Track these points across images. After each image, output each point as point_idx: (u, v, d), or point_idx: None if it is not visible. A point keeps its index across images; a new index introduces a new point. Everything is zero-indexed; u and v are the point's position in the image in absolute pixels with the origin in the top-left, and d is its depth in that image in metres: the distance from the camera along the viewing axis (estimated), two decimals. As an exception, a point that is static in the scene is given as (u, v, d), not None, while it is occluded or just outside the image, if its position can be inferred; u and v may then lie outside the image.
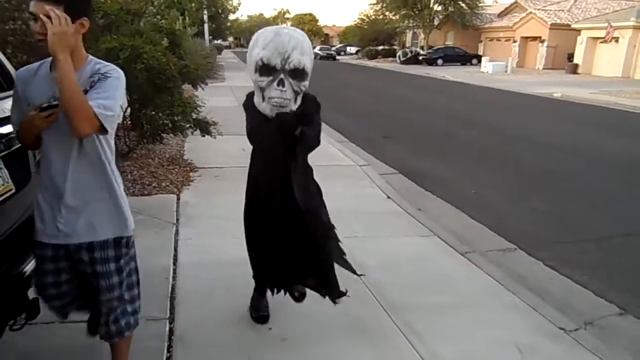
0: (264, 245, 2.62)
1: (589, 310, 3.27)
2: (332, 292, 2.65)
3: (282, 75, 2.28)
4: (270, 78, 2.29)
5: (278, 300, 2.86)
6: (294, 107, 2.36)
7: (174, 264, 3.53)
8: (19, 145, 2.25)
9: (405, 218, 4.71)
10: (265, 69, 2.28)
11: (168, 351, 2.57)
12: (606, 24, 26.99)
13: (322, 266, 2.61)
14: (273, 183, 2.47)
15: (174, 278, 3.32)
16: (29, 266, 2.10)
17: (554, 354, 2.72)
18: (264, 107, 2.36)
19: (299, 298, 2.83)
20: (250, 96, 2.51)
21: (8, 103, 2.29)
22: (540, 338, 2.84)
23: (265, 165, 2.50)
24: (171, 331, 2.73)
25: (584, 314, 3.20)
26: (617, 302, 3.41)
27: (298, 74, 2.29)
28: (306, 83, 2.35)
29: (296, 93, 2.34)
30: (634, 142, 9.55)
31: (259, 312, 2.84)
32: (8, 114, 2.24)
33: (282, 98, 2.30)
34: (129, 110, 5.85)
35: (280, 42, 2.25)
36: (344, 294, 2.66)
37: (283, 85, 2.28)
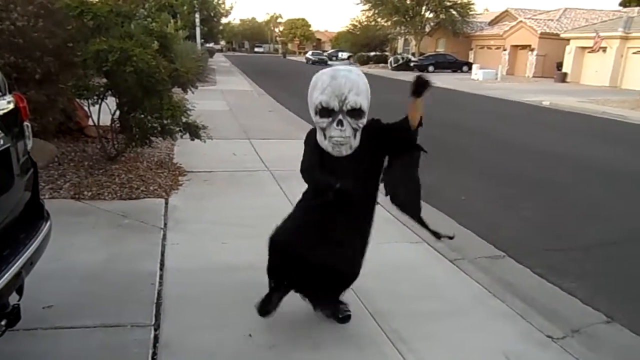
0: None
1: (576, 318, 3.28)
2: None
3: (340, 116, 2.45)
4: (330, 119, 2.46)
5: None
6: (354, 142, 2.51)
7: (161, 269, 3.48)
8: (2, 147, 2.21)
9: (395, 224, 4.70)
10: (324, 111, 2.46)
11: (153, 358, 2.53)
12: (594, 34, 27.36)
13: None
14: (342, 213, 2.57)
15: (160, 283, 3.27)
16: (11, 271, 2.05)
17: (542, 362, 2.72)
18: (325, 145, 2.53)
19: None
20: (311, 134, 2.65)
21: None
22: (528, 346, 2.84)
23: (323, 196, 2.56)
24: (156, 338, 2.69)
25: (572, 322, 3.20)
26: (604, 310, 3.41)
27: (355, 113, 2.46)
28: (364, 120, 2.51)
29: (355, 130, 2.50)
30: (621, 150, 9.65)
31: (264, 305, 2.78)
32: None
33: (341, 137, 2.47)
34: (117, 113, 5.80)
35: (337, 86, 2.42)
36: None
37: (342, 125, 2.45)
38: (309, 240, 2.59)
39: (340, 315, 2.88)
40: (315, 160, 2.59)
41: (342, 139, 2.47)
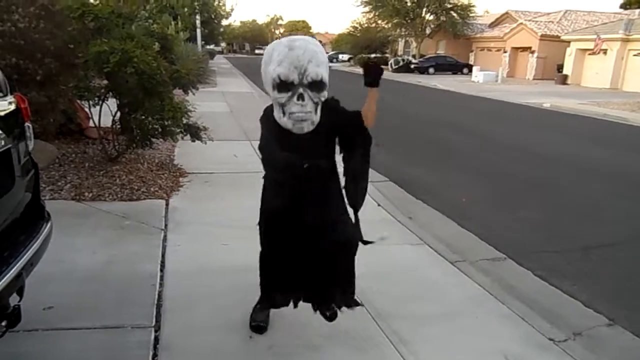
0: (284, 254, 2.58)
1: (577, 321, 3.27)
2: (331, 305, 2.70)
3: (300, 90, 2.28)
4: (290, 94, 2.29)
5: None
6: (315, 118, 2.36)
7: (161, 270, 3.48)
8: (3, 148, 2.21)
9: (396, 226, 4.70)
10: (283, 85, 2.28)
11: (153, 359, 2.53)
12: (595, 36, 27.37)
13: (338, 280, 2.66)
14: (299, 195, 2.46)
15: (160, 285, 3.27)
16: (11, 272, 2.05)
17: (543, 364, 2.71)
18: (285, 121, 2.35)
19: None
20: (267, 111, 2.50)
21: (-7, 105, 2.26)
22: (530, 349, 2.83)
23: (287, 177, 2.46)
24: (157, 339, 2.68)
25: (573, 324, 3.19)
26: (606, 312, 3.41)
27: (316, 85, 2.30)
28: (325, 93, 2.36)
29: (316, 104, 2.34)
30: (620, 152, 9.65)
31: (257, 322, 2.78)
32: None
33: (303, 112, 2.30)
34: (118, 114, 5.80)
35: (295, 57, 2.25)
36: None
37: (303, 100, 2.28)
38: (290, 210, 2.47)
39: (328, 313, 2.72)
40: (273, 138, 2.41)
41: (303, 114, 2.30)
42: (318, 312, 2.73)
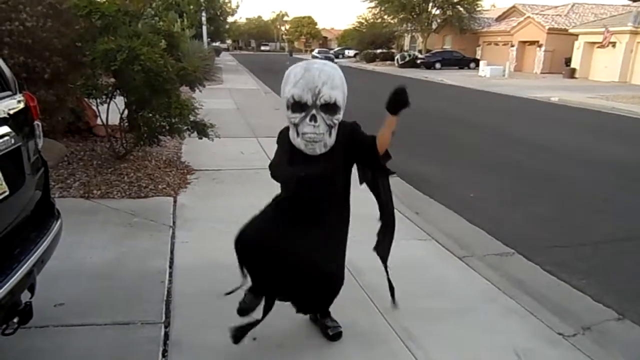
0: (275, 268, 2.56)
1: (587, 316, 3.26)
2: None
3: (314, 111, 2.28)
4: (303, 114, 2.30)
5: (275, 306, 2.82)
6: (329, 140, 2.36)
7: (170, 267, 3.50)
8: (14, 146, 2.23)
9: (403, 222, 4.69)
10: (296, 105, 2.29)
11: (163, 356, 2.54)
12: (603, 29, 27.11)
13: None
14: (311, 214, 2.47)
15: (169, 281, 3.29)
16: (23, 269, 2.07)
17: (553, 359, 2.70)
18: (298, 142, 2.36)
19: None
20: (284, 131, 2.52)
21: (3, 104, 2.28)
22: (539, 343, 2.82)
23: (296, 190, 2.46)
24: (166, 335, 2.70)
25: (582, 319, 3.18)
26: (615, 307, 3.39)
27: (330, 108, 2.29)
28: (339, 116, 2.35)
29: (329, 127, 2.33)
30: (630, 146, 9.57)
31: (243, 304, 2.73)
32: (2, 115, 2.22)
33: (315, 133, 2.31)
34: (126, 112, 5.83)
35: (310, 78, 2.26)
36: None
37: (315, 121, 2.29)
38: (279, 236, 2.46)
39: (331, 332, 2.73)
40: (286, 157, 2.43)
41: (315, 136, 2.30)
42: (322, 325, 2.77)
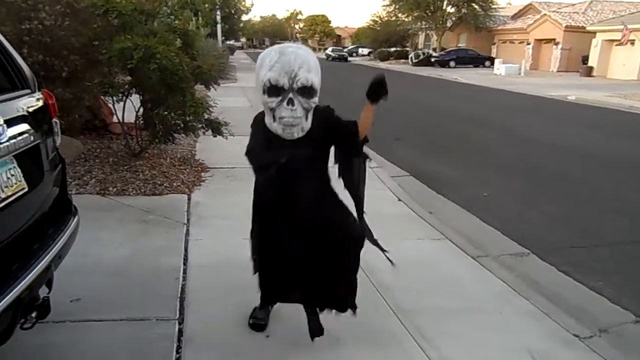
0: (275, 256, 2.58)
1: (603, 317, 3.21)
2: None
3: (291, 95, 2.28)
4: (280, 98, 2.29)
5: (289, 304, 2.83)
6: (306, 124, 2.36)
7: (184, 264, 3.53)
8: (33, 144, 2.26)
9: (417, 221, 4.67)
10: (273, 89, 2.29)
11: (177, 352, 2.56)
12: (622, 27, 26.65)
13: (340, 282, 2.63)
14: (294, 196, 2.43)
15: (184, 278, 3.31)
16: (41, 264, 2.10)
17: (568, 361, 2.67)
18: (275, 127, 2.36)
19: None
20: (258, 118, 2.50)
21: (22, 102, 2.31)
22: (554, 345, 2.79)
23: (280, 180, 2.41)
24: (180, 332, 2.72)
25: (599, 320, 3.14)
26: (633, 309, 3.34)
27: (307, 91, 2.30)
28: (315, 99, 2.35)
29: (306, 110, 2.34)
30: (650, 146, 9.40)
31: (256, 319, 2.78)
32: (21, 113, 2.25)
33: (292, 117, 2.30)
34: (141, 110, 5.88)
35: (286, 62, 2.26)
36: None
37: (293, 105, 2.28)
38: (279, 240, 2.48)
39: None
40: (261, 143, 2.41)
41: (292, 119, 2.30)
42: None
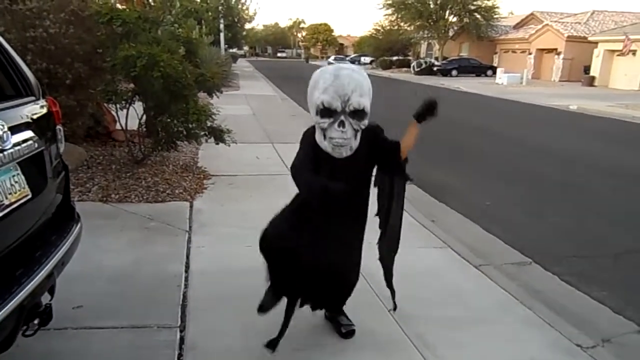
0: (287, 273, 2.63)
1: (607, 327, 3.19)
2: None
3: (342, 117, 2.34)
4: (331, 120, 2.36)
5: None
6: (355, 143, 2.42)
7: (186, 271, 3.53)
8: (36, 151, 2.27)
9: (419, 229, 4.67)
10: (326, 112, 2.35)
11: (179, 359, 2.55)
12: (624, 37, 26.75)
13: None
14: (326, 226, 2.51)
15: (185, 286, 3.31)
16: (44, 271, 2.10)
17: (571, 371, 2.66)
18: (325, 145, 2.42)
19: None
20: (308, 133, 2.55)
21: (27, 109, 2.33)
22: (557, 354, 2.78)
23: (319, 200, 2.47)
24: (182, 339, 2.72)
25: (602, 330, 3.12)
26: (637, 319, 3.32)
27: (358, 114, 2.36)
28: (366, 121, 2.42)
29: (356, 131, 2.41)
30: (653, 156, 9.39)
31: (265, 302, 2.79)
32: (25, 120, 2.27)
33: (342, 138, 2.37)
34: (144, 117, 5.90)
35: (340, 85, 2.31)
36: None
37: (344, 127, 2.35)
38: (299, 240, 2.50)
39: (344, 330, 2.80)
40: (310, 160, 2.46)
41: (342, 141, 2.37)
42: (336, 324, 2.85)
